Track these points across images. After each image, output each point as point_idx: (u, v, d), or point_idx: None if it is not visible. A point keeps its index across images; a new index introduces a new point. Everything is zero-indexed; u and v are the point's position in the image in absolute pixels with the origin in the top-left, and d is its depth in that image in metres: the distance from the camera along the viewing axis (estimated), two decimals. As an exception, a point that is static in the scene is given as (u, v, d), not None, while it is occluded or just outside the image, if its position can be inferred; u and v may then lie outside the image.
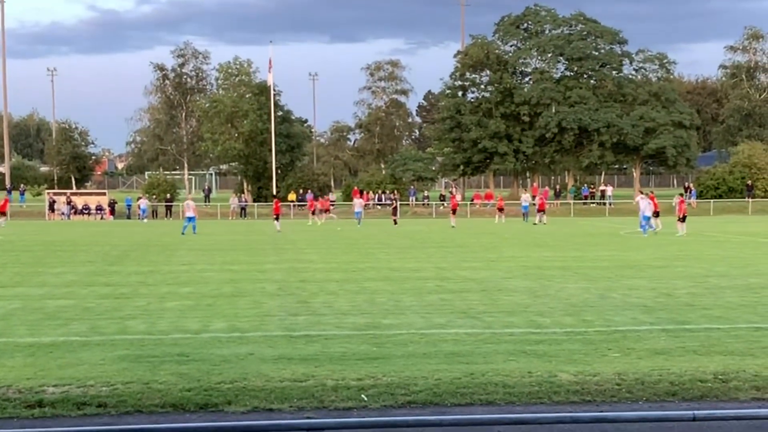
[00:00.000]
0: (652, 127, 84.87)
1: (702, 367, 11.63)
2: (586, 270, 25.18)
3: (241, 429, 6.07)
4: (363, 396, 10.39)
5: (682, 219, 43.29)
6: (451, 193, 67.57)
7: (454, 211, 56.93)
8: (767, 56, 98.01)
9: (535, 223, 55.78)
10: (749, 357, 12.33)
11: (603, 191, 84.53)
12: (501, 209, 61.46)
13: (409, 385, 10.86)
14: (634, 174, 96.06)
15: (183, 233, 44.69)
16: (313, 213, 64.44)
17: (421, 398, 10.36)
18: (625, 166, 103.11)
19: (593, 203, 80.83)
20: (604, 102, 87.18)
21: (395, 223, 57.04)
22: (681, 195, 49.24)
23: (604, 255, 30.95)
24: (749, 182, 79.71)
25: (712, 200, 75.19)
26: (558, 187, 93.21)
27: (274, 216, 51.26)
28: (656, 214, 44.21)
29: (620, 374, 11.30)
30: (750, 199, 75.87)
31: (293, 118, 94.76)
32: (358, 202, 62.92)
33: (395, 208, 60.13)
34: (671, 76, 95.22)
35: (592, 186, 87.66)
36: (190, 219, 46.33)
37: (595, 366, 11.83)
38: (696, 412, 5.02)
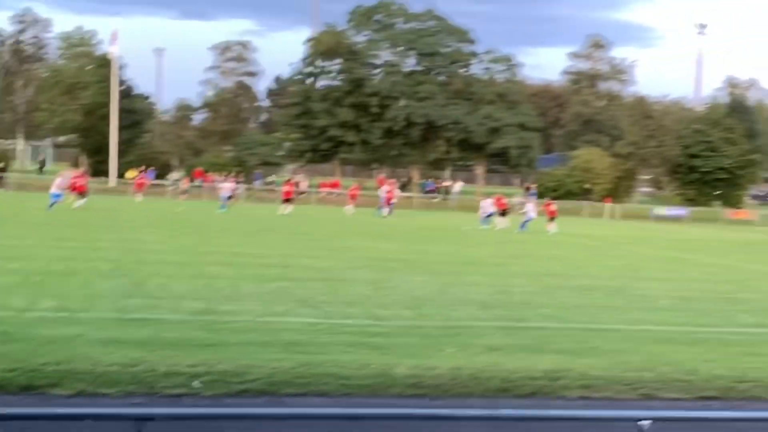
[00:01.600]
0: (497, 126, 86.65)
1: (534, 365, 11.85)
2: (429, 264, 25.43)
3: (63, 416, 5.75)
4: (195, 383, 10.14)
5: (552, 219, 46.22)
6: (289, 181, 66.15)
7: (288, 200, 54.24)
8: (608, 65, 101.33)
9: (384, 216, 55.97)
10: (579, 356, 12.65)
11: (447, 187, 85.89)
12: (353, 197, 61.05)
13: (245, 373, 10.67)
14: (479, 171, 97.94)
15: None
16: (140, 190, 62.28)
17: (255, 387, 10.20)
18: (470, 163, 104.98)
19: (437, 198, 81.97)
20: (452, 99, 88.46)
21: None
22: (550, 199, 52.32)
23: (446, 250, 31.34)
24: (587, 186, 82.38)
25: (551, 201, 77.44)
26: (405, 179, 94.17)
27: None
28: (503, 212, 46.17)
29: (456, 369, 11.40)
30: (585, 202, 78.42)
31: (136, 93, 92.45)
32: (228, 186, 58.89)
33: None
34: (517, 78, 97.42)
35: (438, 180, 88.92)
36: (56, 196, 43.84)
37: (431, 360, 11.89)
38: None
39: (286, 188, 57.36)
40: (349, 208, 58.07)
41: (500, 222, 47.48)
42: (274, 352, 11.96)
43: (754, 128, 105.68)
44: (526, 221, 45.93)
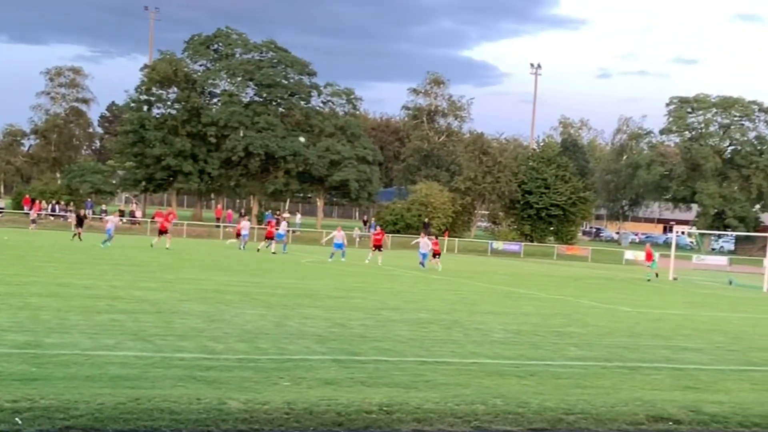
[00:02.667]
0: (338, 159, 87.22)
1: (368, 398, 11.75)
2: (265, 296, 25.14)
3: None
4: (17, 419, 9.62)
5: (436, 255, 48.17)
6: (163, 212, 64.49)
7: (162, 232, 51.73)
8: (446, 101, 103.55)
9: (239, 248, 55.26)
10: (413, 389, 12.63)
11: (287, 218, 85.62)
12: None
13: (69, 408, 10.18)
14: (318, 203, 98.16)
15: None
16: None
17: (81, 423, 9.73)
18: (309, 195, 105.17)
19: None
20: (292, 131, 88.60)
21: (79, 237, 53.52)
22: (436, 237, 53.38)
23: (283, 282, 31.12)
24: (426, 219, 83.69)
25: (390, 235, 78.09)
26: (243, 210, 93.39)
27: None
28: (436, 254, 48.53)
29: (290, 403, 11.20)
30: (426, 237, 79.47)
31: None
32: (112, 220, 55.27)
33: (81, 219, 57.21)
34: (357, 112, 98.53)
35: (277, 212, 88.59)
36: None
37: (265, 394, 11.66)
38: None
39: (161, 220, 55.92)
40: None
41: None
42: (101, 386, 11.48)
43: (586, 167, 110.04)
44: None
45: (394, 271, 42.52)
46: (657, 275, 50.61)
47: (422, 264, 46.86)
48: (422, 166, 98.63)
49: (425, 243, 48.28)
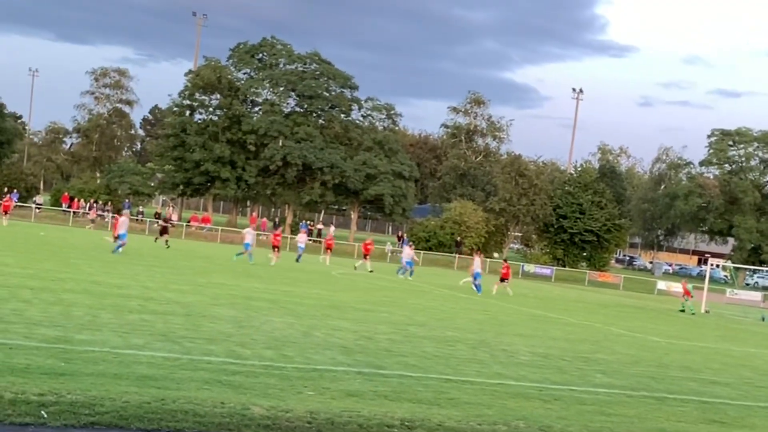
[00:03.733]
0: (374, 173, 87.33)
1: (391, 412, 11.79)
2: (294, 306, 25.25)
3: None
4: (43, 412, 9.76)
5: (504, 279, 45.46)
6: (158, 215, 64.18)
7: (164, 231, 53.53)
8: (486, 121, 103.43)
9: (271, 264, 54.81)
10: (436, 406, 12.66)
11: (321, 229, 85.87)
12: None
13: (95, 405, 10.31)
14: (353, 216, 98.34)
15: None
16: (6, 213, 60.65)
17: (105, 420, 9.86)
18: (344, 208, 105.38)
19: (311, 240, 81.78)
20: (330, 143, 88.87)
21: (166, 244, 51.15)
22: (505, 260, 51.80)
23: (313, 293, 31.21)
24: (458, 238, 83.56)
25: (422, 251, 78.01)
26: (277, 219, 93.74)
27: None
28: (502, 279, 45.72)
29: (312, 413, 11.26)
30: (457, 255, 79.46)
31: (5, 112, 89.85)
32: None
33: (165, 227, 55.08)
34: (396, 128, 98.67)
35: (311, 223, 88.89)
36: None
37: (289, 402, 11.74)
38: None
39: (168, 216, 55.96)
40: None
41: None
42: (127, 385, 11.61)
43: (622, 194, 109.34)
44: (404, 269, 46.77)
45: (424, 287, 42.51)
46: (694, 313, 49.99)
47: (477, 286, 43.31)
48: (458, 185, 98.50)
49: (478, 263, 45.89)
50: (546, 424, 12.21)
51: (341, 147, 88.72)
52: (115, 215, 59.77)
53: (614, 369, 19.34)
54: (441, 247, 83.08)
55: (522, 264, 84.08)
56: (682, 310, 49.52)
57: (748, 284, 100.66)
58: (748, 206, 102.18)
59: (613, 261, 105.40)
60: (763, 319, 51.22)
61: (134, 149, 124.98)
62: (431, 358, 17.56)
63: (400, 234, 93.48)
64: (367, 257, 54.37)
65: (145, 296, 22.88)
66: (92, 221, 72.59)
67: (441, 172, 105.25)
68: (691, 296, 51.13)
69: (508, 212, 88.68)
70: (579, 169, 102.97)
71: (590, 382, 16.91)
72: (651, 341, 28.19)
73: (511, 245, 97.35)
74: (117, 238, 40.93)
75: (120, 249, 40.20)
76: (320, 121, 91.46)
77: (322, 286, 35.61)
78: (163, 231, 52.52)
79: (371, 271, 50.73)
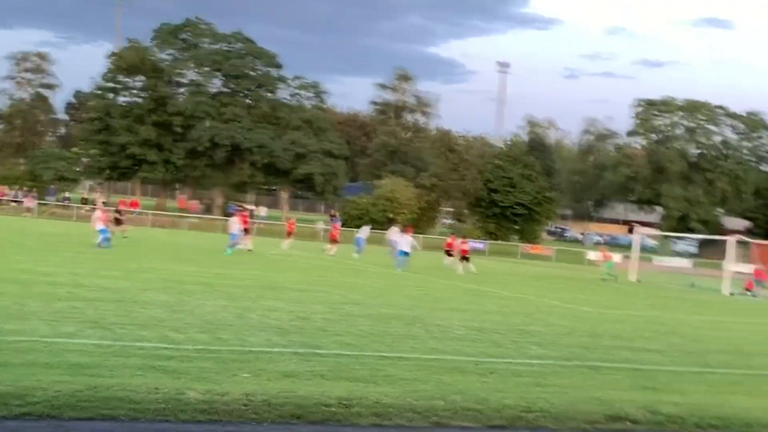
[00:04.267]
0: (303, 152, 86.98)
1: (328, 392, 11.73)
2: (228, 288, 25.00)
3: None
4: (-29, 405, 9.53)
5: (464, 257, 45.21)
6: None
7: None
8: (414, 97, 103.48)
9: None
10: (373, 384, 12.63)
11: (252, 211, 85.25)
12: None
13: (26, 395, 10.09)
14: (283, 196, 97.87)
15: None
16: None
17: (38, 410, 9.65)
18: (274, 188, 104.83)
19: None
20: (258, 123, 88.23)
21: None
22: (463, 237, 51.53)
23: (248, 274, 30.94)
24: (391, 215, 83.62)
25: (354, 230, 77.59)
26: (208, 201, 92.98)
27: None
28: (464, 257, 45.51)
29: (249, 395, 11.16)
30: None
31: None
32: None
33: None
34: (324, 106, 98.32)
35: (241, 204, 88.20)
36: None
37: (224, 385, 11.61)
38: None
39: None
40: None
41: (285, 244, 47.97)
42: (58, 374, 11.38)
43: (552, 167, 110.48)
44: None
45: (359, 266, 42.49)
46: (616, 278, 50.92)
47: (401, 261, 42.90)
48: (388, 162, 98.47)
49: (402, 238, 45.42)
50: (482, 398, 12.25)
51: (269, 127, 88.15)
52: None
53: (548, 340, 19.52)
54: (374, 225, 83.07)
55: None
56: (604, 279, 50.30)
57: (677, 252, 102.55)
58: (674, 175, 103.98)
59: (544, 233, 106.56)
60: (693, 286, 52.26)
61: (58, 134, 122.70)
62: (367, 336, 17.53)
63: (332, 213, 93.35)
64: (290, 236, 53.87)
65: (75, 283, 22.46)
66: (28, 209, 70.93)
67: (371, 150, 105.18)
68: (612, 258, 52.25)
69: (440, 188, 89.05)
70: (508, 143, 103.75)
71: (525, 354, 17.04)
72: (583, 312, 28.54)
73: (444, 220, 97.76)
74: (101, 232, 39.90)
75: (107, 242, 38.98)
76: (247, 101, 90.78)
77: (257, 267, 35.37)
78: (118, 222, 50.96)
79: (287, 252, 49.55)
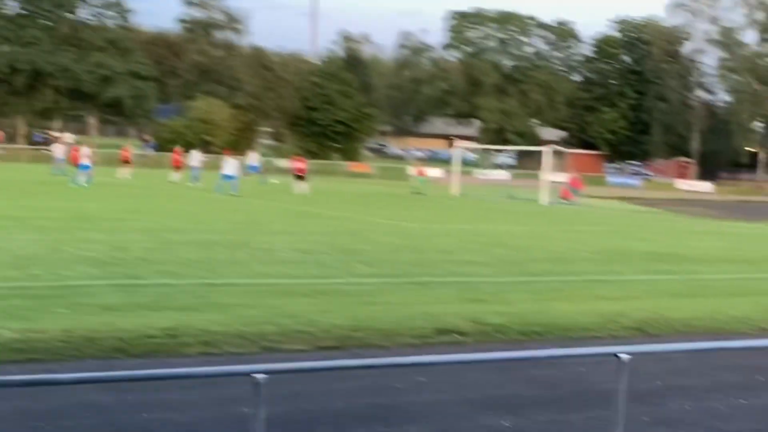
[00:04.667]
0: (109, 75, 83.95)
1: (152, 323, 11.35)
2: (38, 220, 23.87)
3: None
4: None
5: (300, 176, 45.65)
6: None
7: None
8: (223, 13, 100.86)
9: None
10: (199, 312, 12.32)
11: (58, 138, 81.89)
12: None
13: None
14: (92, 122, 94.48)
15: None
16: None
17: None
18: (82, 114, 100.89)
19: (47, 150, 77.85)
20: (60, 45, 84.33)
21: None
22: (299, 155, 50.51)
23: (57, 205, 29.64)
24: (207, 138, 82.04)
25: (168, 154, 75.68)
26: (9, 130, 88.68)
27: None
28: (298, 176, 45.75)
29: (68, 331, 10.67)
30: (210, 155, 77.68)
31: None
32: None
33: None
34: (129, 25, 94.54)
35: (46, 132, 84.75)
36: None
37: (41, 322, 11.07)
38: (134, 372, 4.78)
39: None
40: None
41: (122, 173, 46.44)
42: None
43: (369, 82, 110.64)
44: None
45: (177, 191, 41.53)
46: (425, 193, 51.83)
47: (221, 186, 41.81)
48: (201, 82, 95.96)
49: (226, 162, 44.35)
50: (312, 319, 12.12)
51: (72, 49, 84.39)
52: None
53: (375, 258, 19.55)
54: (189, 148, 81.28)
55: (272, 159, 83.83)
56: (415, 193, 51.24)
57: (496, 164, 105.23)
58: (489, 88, 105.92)
59: (365, 151, 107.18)
60: (512, 197, 53.70)
61: None
62: (190, 264, 17.08)
63: (145, 137, 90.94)
64: (127, 164, 51.71)
65: None
66: None
67: (182, 70, 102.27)
68: (425, 174, 53.56)
69: (256, 108, 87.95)
70: (324, 59, 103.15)
71: (353, 274, 16.99)
72: (408, 228, 28.77)
73: (263, 141, 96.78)
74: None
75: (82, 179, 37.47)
76: (47, 22, 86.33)
77: (66, 197, 33.97)
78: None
79: (128, 179, 47.95)
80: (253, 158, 58.84)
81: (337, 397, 8.82)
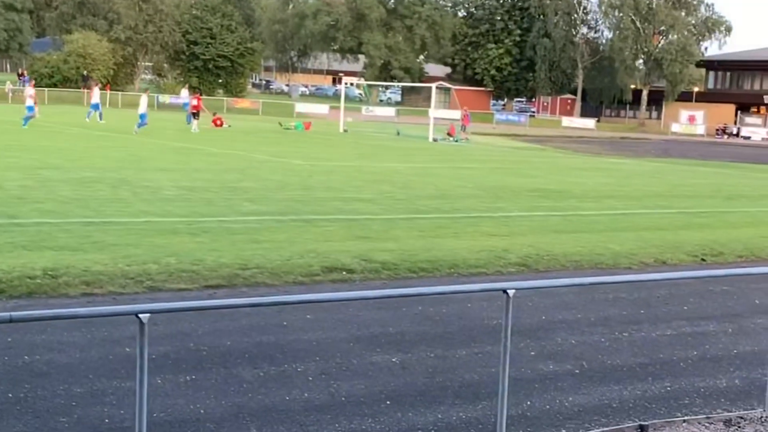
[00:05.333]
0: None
1: (31, 263, 11.01)
2: None
3: None
4: None
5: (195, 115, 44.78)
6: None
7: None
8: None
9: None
10: (80, 252, 12.00)
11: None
12: None
13: None
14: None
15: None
16: None
17: None
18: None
19: None
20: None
21: None
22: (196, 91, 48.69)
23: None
24: (85, 72, 79.62)
25: (46, 89, 73.44)
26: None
27: None
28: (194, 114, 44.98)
29: (-61, 273, 10.26)
30: (85, 90, 75.61)
31: None
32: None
33: None
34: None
35: None
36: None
37: None
38: (12, 313, 4.61)
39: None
40: None
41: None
42: None
43: (252, 16, 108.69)
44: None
45: (53, 128, 40.25)
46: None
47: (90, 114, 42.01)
48: (77, 14, 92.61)
49: (97, 94, 44.22)
50: (198, 258, 11.94)
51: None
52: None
53: (261, 196, 19.36)
54: (67, 83, 78.90)
55: (156, 95, 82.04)
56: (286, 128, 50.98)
57: (382, 100, 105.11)
58: (374, 22, 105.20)
59: (250, 86, 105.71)
60: (398, 134, 53.78)
61: None
62: (70, 202, 16.60)
63: (21, 71, 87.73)
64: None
65: None
66: None
67: (57, 2, 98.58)
68: (455, 132, 53.30)
69: (136, 41, 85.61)
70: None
71: (238, 212, 16.79)
72: (294, 165, 28.58)
73: (143, 76, 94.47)
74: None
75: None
76: None
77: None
78: None
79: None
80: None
81: (225, 336, 8.72)
